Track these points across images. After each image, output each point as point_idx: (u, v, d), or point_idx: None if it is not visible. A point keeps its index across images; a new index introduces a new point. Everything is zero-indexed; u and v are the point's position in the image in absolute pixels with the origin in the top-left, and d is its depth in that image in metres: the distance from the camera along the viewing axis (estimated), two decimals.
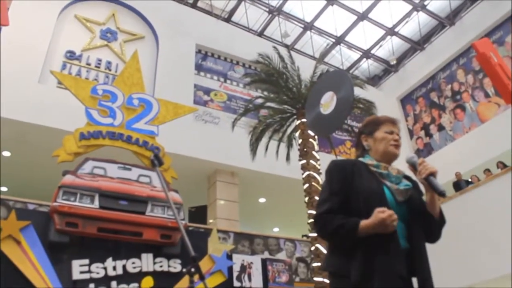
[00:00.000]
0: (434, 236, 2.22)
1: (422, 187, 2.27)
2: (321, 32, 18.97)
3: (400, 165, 2.34)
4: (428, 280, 2.05)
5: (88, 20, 14.17)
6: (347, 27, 18.66)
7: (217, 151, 13.69)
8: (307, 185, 9.84)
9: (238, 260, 8.65)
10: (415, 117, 19.31)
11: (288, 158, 11.82)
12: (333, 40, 19.26)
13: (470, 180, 13.01)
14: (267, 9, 17.86)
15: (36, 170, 12.70)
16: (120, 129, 7.98)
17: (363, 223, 1.98)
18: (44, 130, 11.18)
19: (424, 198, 2.21)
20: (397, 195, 2.15)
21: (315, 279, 8.97)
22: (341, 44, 19.45)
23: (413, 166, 2.18)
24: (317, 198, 9.40)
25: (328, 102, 7.05)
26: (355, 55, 20.32)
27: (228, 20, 18.04)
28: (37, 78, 12.02)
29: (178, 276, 6.91)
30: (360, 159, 2.33)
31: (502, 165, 12.35)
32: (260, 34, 18.60)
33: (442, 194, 2.06)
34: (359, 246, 1.99)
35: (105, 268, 6.50)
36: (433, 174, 2.09)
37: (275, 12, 17.87)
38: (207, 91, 15.72)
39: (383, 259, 1.96)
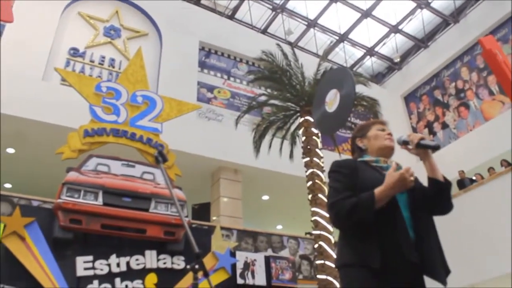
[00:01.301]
0: (446, 202, 2.25)
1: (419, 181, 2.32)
2: (324, 29, 18.92)
3: (399, 160, 2.36)
4: (435, 269, 2.08)
5: (92, 17, 14.18)
6: (351, 25, 18.61)
7: (220, 149, 13.69)
8: (310, 182, 9.83)
9: (241, 257, 8.67)
10: (418, 115, 19.25)
11: (291, 155, 11.81)
12: (337, 38, 19.21)
13: (474, 178, 12.99)
14: (271, 6, 17.83)
15: (40, 167, 12.73)
16: (124, 126, 8.00)
17: (378, 190, 2.04)
18: (48, 127, 11.20)
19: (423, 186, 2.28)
20: None
21: (319, 276, 8.96)
22: (345, 42, 19.40)
23: (405, 143, 2.29)
24: (320, 195, 9.42)
25: (332, 100, 7.03)
26: (359, 53, 20.27)
27: (231, 17, 18.02)
28: (41, 75, 12.05)
29: (181, 273, 6.94)
30: (359, 159, 2.40)
31: (506, 163, 12.31)
32: (264, 31, 18.57)
33: (437, 147, 2.23)
34: (372, 238, 2.03)
35: (109, 265, 6.53)
36: (422, 138, 2.22)
37: (279, 9, 17.83)
38: (211, 89, 15.71)
39: (397, 248, 2.02)
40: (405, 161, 2.42)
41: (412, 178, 2.05)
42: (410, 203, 2.20)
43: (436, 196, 2.21)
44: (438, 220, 2.26)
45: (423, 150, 2.23)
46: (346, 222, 2.12)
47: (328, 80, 7.94)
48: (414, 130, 19.04)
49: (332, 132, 10.36)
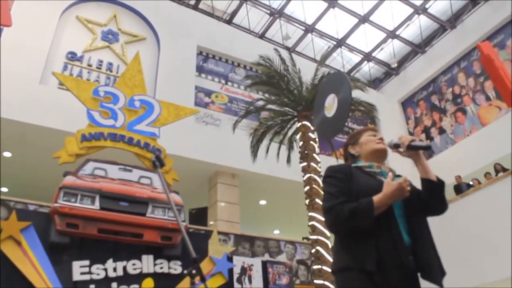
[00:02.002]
0: (440, 202, 2.26)
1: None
2: (322, 34, 18.97)
3: (394, 165, 2.37)
4: (432, 271, 2.10)
5: (90, 21, 14.19)
6: (348, 30, 18.66)
7: (218, 153, 13.69)
8: (307, 187, 9.83)
9: (238, 262, 8.66)
10: (416, 120, 19.30)
11: (288, 160, 11.82)
12: (334, 43, 19.27)
13: (471, 183, 13.01)
14: (269, 11, 17.87)
15: (37, 171, 12.71)
16: (122, 131, 7.99)
17: (377, 197, 2.06)
18: (45, 131, 11.18)
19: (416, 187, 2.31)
20: None
21: (316, 281, 8.95)
22: (342, 47, 19.45)
23: (396, 146, 2.32)
24: (317, 200, 9.41)
25: (331, 105, 7.04)
26: (356, 58, 20.33)
27: (229, 22, 18.05)
28: (39, 79, 12.03)
29: (178, 277, 6.91)
30: (353, 165, 2.42)
31: (500, 167, 12.34)
32: (261, 36, 18.61)
33: (428, 147, 2.27)
34: (367, 241, 2.05)
35: (105, 270, 6.50)
36: (413, 140, 2.26)
37: (277, 14, 17.88)
38: (208, 93, 15.72)
39: (392, 252, 2.04)
40: (400, 166, 2.44)
41: (409, 188, 2.09)
42: (405, 207, 2.22)
43: (430, 196, 2.23)
44: (435, 224, 2.28)
45: (414, 151, 2.26)
46: (343, 227, 2.14)
47: (326, 85, 7.96)
48: (411, 135, 19.06)
49: (332, 137, 10.37)
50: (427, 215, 2.26)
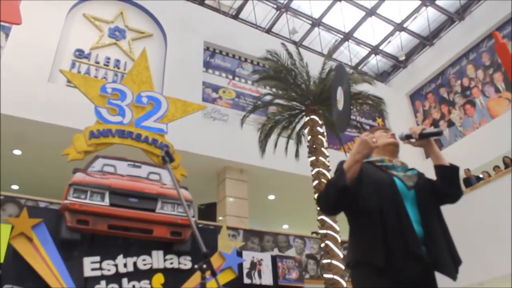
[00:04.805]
0: (455, 186, 2.28)
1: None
2: (329, 28, 18.89)
3: (405, 158, 2.36)
4: (443, 263, 2.08)
5: (97, 18, 14.23)
6: (356, 23, 18.57)
7: (226, 149, 13.70)
8: (316, 182, 9.82)
9: (248, 257, 8.67)
10: (424, 113, 19.19)
11: (297, 155, 11.79)
12: (341, 36, 19.18)
13: (481, 176, 12.92)
14: (275, 6, 17.82)
15: (47, 168, 12.79)
16: (130, 127, 8.02)
17: (346, 160, 2.16)
18: (54, 128, 11.24)
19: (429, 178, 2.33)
20: (406, 180, 2.24)
21: (325, 275, 8.95)
22: (350, 40, 19.36)
23: (408, 137, 2.33)
24: None
25: (340, 98, 7.06)
26: (364, 51, 20.22)
27: (236, 17, 18.03)
28: (47, 77, 12.09)
29: (188, 273, 6.95)
30: (364, 160, 2.39)
31: (509, 160, 12.21)
32: (268, 31, 18.57)
33: (440, 133, 2.29)
34: (377, 236, 2.04)
35: (116, 265, 6.55)
36: (424, 129, 2.26)
37: (283, 8, 17.83)
38: (216, 89, 15.72)
39: (403, 245, 2.02)
40: (411, 159, 2.43)
41: (374, 140, 2.13)
42: (418, 198, 2.21)
43: (445, 182, 2.24)
44: (444, 217, 2.26)
45: (426, 140, 2.27)
46: (327, 202, 2.21)
47: (335, 79, 7.94)
48: None
49: (344, 130, 10.35)
50: (442, 203, 2.26)
